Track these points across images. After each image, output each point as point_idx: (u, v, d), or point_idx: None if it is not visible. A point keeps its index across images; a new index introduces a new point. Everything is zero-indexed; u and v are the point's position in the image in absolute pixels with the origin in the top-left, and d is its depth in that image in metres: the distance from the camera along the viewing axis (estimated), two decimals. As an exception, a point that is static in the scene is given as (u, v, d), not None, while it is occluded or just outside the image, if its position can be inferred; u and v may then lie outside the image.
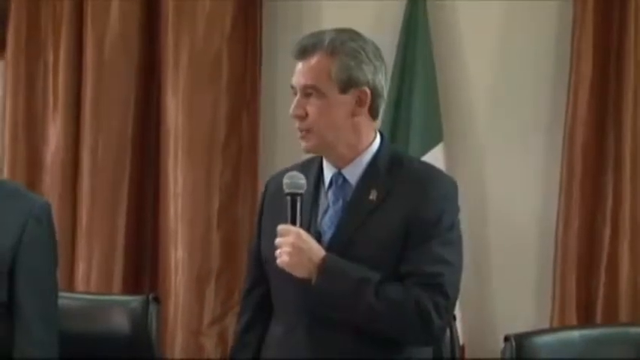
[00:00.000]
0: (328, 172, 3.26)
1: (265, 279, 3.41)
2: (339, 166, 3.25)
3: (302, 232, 3.10)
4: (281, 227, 3.08)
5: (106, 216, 4.89)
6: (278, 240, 3.08)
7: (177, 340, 4.74)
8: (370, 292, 3.11)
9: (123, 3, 4.94)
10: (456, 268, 3.22)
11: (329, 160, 3.28)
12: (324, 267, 3.09)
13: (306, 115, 3.15)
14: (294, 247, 3.07)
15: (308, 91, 3.14)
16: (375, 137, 3.30)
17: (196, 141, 4.88)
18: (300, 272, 3.08)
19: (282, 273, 3.13)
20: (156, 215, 5.01)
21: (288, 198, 3.14)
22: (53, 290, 3.62)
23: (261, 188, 3.94)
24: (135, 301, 4.07)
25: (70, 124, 4.91)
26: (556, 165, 4.65)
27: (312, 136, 3.17)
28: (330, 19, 4.72)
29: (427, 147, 4.60)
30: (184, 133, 4.88)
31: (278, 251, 3.07)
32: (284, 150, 4.77)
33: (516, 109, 4.79)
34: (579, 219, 4.55)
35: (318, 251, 3.09)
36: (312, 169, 3.32)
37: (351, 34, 3.30)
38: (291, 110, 3.19)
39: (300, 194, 3.16)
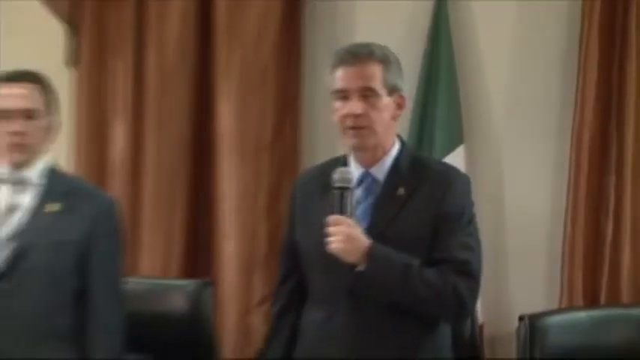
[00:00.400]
0: (355, 171, 3.49)
1: (298, 270, 3.69)
2: (367, 165, 3.51)
3: (352, 221, 3.34)
4: (333, 218, 3.30)
5: (165, 210, 5.06)
6: (331, 229, 3.31)
7: (228, 319, 4.92)
8: (413, 276, 3.40)
9: (181, 19, 5.06)
10: (479, 254, 3.51)
11: (360, 159, 3.52)
12: (371, 253, 3.32)
13: (363, 113, 3.46)
14: (346, 235, 3.30)
15: (365, 93, 3.39)
16: (395, 140, 3.62)
17: (245, 143, 5.03)
18: (350, 258, 3.31)
19: (326, 260, 3.36)
20: (210, 210, 5.14)
21: (338, 191, 3.36)
22: (120, 277, 3.92)
23: None
24: (192, 284, 4.45)
25: (133, 127, 5.07)
26: (564, 166, 4.79)
27: (367, 133, 3.42)
28: (364, 32, 4.85)
29: (450, 149, 4.75)
30: (235, 136, 5.03)
31: (330, 238, 3.30)
32: (323, 152, 4.72)
33: (528, 115, 4.90)
34: (585, 213, 4.69)
35: (365, 239, 3.32)
36: (329, 170, 3.51)
37: (388, 49, 3.64)
38: (347, 110, 3.42)
39: (349, 188, 3.38)
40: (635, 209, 4.62)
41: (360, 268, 3.37)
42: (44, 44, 5.09)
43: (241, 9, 5.03)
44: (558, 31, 4.88)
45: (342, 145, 3.90)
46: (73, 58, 5.13)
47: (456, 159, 4.60)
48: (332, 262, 3.38)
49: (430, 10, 4.88)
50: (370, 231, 3.41)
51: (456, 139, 4.80)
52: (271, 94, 5.00)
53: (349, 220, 3.37)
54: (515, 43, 4.96)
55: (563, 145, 4.81)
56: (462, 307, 3.50)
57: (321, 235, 3.38)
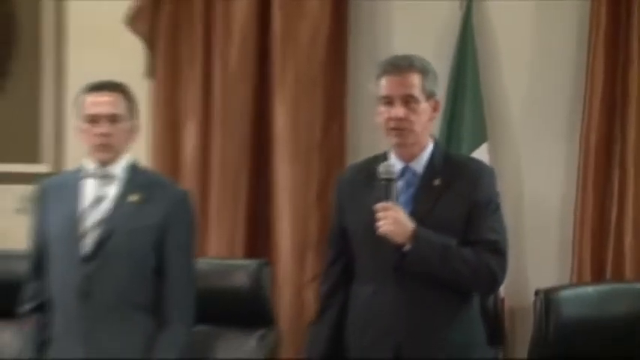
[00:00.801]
0: (398, 164, 3.62)
1: (345, 252, 3.80)
2: (406, 160, 3.62)
3: (398, 207, 3.48)
4: (381, 204, 3.43)
5: (230, 201, 5.11)
6: (380, 214, 3.44)
7: (284, 294, 4.98)
8: (452, 255, 3.56)
9: (242, 35, 5.07)
10: (505, 236, 3.66)
11: (401, 155, 3.65)
12: (416, 235, 3.45)
13: (405, 117, 3.57)
14: (394, 219, 3.43)
15: (406, 99, 3.53)
16: (429, 138, 3.75)
17: (298, 143, 5.09)
18: (397, 239, 3.43)
19: (375, 242, 3.51)
20: (268, 200, 5.18)
21: (384, 182, 3.49)
22: (192, 257, 4.07)
23: None
24: (252, 264, 4.51)
25: (201, 129, 5.14)
26: (574, 160, 4.82)
27: (409, 133, 3.55)
28: (399, 43, 4.96)
29: (475, 146, 4.78)
30: (289, 136, 5.09)
31: (380, 222, 3.43)
32: (366, 150, 4.67)
33: (543, 116, 4.92)
34: (593, 201, 4.74)
35: (410, 223, 3.45)
36: (377, 163, 3.64)
37: (426, 60, 3.78)
38: (391, 113, 3.56)
39: (393, 179, 3.51)
40: (636, 198, 4.67)
41: (406, 247, 3.49)
42: (126, 59, 5.13)
43: (295, 26, 5.06)
44: (569, 41, 4.89)
45: (382, 144, 4.03)
46: (151, 71, 5.20)
47: (480, 155, 4.64)
48: (380, 243, 3.51)
49: (457, 24, 4.88)
50: (412, 217, 3.52)
51: (480, 137, 4.82)
52: (320, 100, 5.04)
53: (396, 206, 3.49)
54: (531, 52, 4.97)
55: (574, 141, 4.84)
56: (494, 281, 3.68)
57: (370, 220, 3.51)
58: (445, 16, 4.97)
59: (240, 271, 4.55)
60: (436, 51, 4.76)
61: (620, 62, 4.73)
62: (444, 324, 3.68)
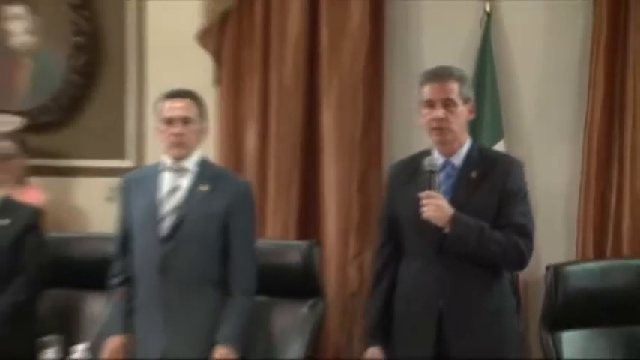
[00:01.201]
0: (436, 158, 3.74)
1: (394, 235, 3.91)
2: (446, 155, 3.74)
3: (440, 195, 3.60)
4: (425, 193, 3.56)
5: (284, 191, 5.16)
6: (425, 201, 3.56)
7: (330, 269, 5.02)
8: (486, 236, 3.66)
9: (295, 50, 5.10)
10: (532, 220, 3.76)
11: (442, 151, 3.77)
12: (455, 219, 3.57)
13: (444, 118, 3.68)
14: (437, 205, 3.55)
15: (447, 103, 3.66)
16: (467, 135, 3.85)
17: (342, 142, 5.11)
18: (440, 223, 3.56)
19: (421, 225, 3.64)
20: (317, 191, 5.21)
21: (428, 174, 3.62)
22: (253, 239, 4.21)
23: (384, 175, 4.67)
24: (304, 244, 4.66)
25: (260, 130, 5.19)
26: (578, 154, 4.83)
27: (448, 132, 3.68)
28: (429, 55, 5.00)
29: (493, 142, 4.77)
30: (334, 136, 5.13)
31: (424, 208, 3.56)
32: (400, 148, 4.90)
33: (552, 119, 4.94)
34: (594, 189, 4.76)
35: (450, 209, 3.57)
36: (420, 158, 3.78)
37: (463, 70, 3.96)
38: (433, 115, 3.69)
39: (436, 171, 3.65)
40: (632, 188, 4.68)
41: (447, 230, 3.62)
42: (197, 70, 5.20)
43: (339, 42, 5.08)
44: (574, 53, 4.89)
45: (415, 143, 4.36)
46: (217, 80, 5.24)
47: (498, 150, 4.65)
48: (425, 226, 3.63)
49: (478, 38, 4.91)
50: (451, 204, 3.62)
51: (498, 134, 4.84)
52: (360, 105, 5.07)
53: (438, 195, 3.61)
54: (541, 63, 4.98)
55: (578, 139, 4.85)
56: (522, 259, 3.78)
57: (416, 207, 3.62)
58: (467, 32, 4.97)
59: (294, 250, 4.67)
60: (459, 62, 4.56)
61: (618, 74, 4.73)
62: (478, 294, 3.79)
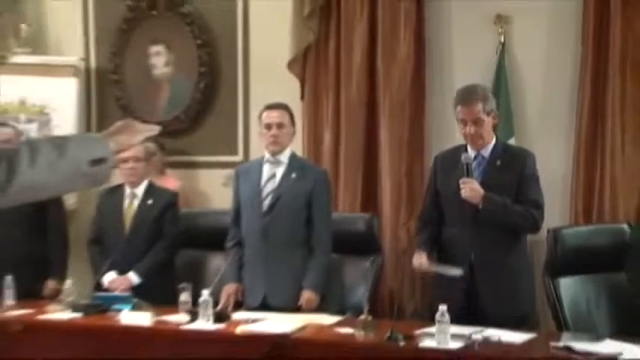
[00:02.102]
0: (471, 153, 3.92)
1: (436, 207, 4.08)
2: (478, 149, 3.92)
3: (474, 180, 3.78)
4: (463, 179, 3.77)
5: (352, 176, 5.16)
6: (463, 185, 3.76)
7: (386, 233, 5.02)
8: (510, 210, 3.84)
9: (358, 73, 5.10)
10: (542, 196, 3.91)
11: (474, 147, 3.94)
12: (486, 198, 3.77)
13: (475, 132, 3.85)
14: (471, 188, 3.76)
15: (476, 121, 3.82)
16: (492, 134, 3.97)
17: (394, 141, 5.08)
18: (474, 200, 3.77)
19: (460, 201, 3.84)
20: (376, 176, 5.19)
21: (464, 164, 3.80)
22: (329, 212, 4.34)
23: (426, 166, 4.73)
24: (367, 216, 4.79)
25: (334, 134, 5.21)
26: (571, 147, 4.77)
27: (478, 139, 3.87)
28: (460, 69, 4.97)
29: (507, 138, 4.66)
30: (389, 137, 5.07)
31: (462, 190, 3.76)
32: (437, 144, 4.85)
33: (550, 120, 4.89)
34: (583, 172, 4.71)
35: (481, 190, 3.75)
36: (460, 151, 3.96)
37: (486, 88, 4.10)
38: (466, 130, 3.87)
39: (470, 163, 3.82)
40: (612, 171, 4.62)
41: (480, 206, 3.79)
42: (288, 88, 5.18)
43: (391, 67, 5.06)
44: (567, 72, 4.81)
45: (447, 140, 4.46)
46: (302, 97, 5.26)
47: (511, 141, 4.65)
48: (462, 202, 3.82)
49: (495, 62, 4.85)
50: (482, 186, 3.79)
51: (509, 132, 4.79)
52: (407, 114, 5.05)
53: (473, 180, 3.80)
54: (543, 80, 4.94)
55: (571, 134, 4.80)
56: (536, 226, 3.95)
57: (456, 188, 3.82)
58: (487, 57, 4.92)
59: (359, 220, 4.79)
60: (481, 79, 4.67)
61: (601, 89, 4.68)
62: (501, 252, 3.95)
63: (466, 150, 3.96)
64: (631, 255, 3.80)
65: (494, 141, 3.99)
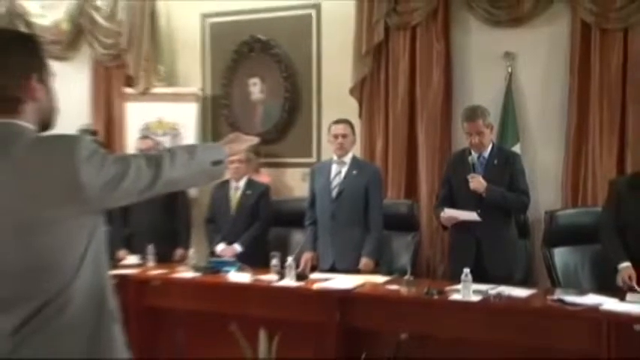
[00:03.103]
0: (475, 155, 3.90)
1: (449, 192, 4.03)
2: (479, 151, 3.90)
3: (479, 175, 3.79)
4: (470, 175, 3.79)
5: (397, 172, 5.05)
6: (471, 179, 3.78)
7: (423, 215, 4.87)
8: (505, 197, 3.83)
9: (402, 97, 5.01)
10: (528, 186, 3.91)
11: (476, 150, 3.90)
12: (488, 188, 3.77)
13: (478, 142, 3.87)
14: (477, 181, 3.77)
15: (478, 133, 3.84)
16: (491, 139, 3.96)
17: (429, 148, 4.99)
18: (480, 190, 3.77)
19: (468, 191, 3.83)
20: (415, 172, 5.07)
21: (471, 163, 3.85)
22: (381, 199, 4.30)
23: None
24: (409, 202, 4.79)
25: (384, 141, 5.10)
26: (562, 150, 4.68)
27: (480, 147, 3.87)
28: (477, 98, 4.77)
29: (513, 144, 4.63)
30: (425, 145, 5.02)
31: (471, 183, 3.77)
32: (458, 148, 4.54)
33: (546, 129, 4.76)
34: (572, 168, 4.62)
35: (485, 183, 3.75)
36: (466, 153, 3.95)
37: (484, 107, 4.00)
38: (473, 140, 3.86)
39: (475, 163, 3.85)
40: (593, 168, 4.54)
41: (484, 194, 3.79)
42: (350, 109, 5.07)
43: (427, 92, 4.96)
44: (560, 94, 4.71)
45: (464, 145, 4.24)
46: (360, 114, 5.19)
47: (516, 149, 4.59)
48: (470, 192, 3.83)
49: (504, 85, 4.76)
50: (484, 179, 3.80)
51: (515, 139, 4.70)
52: (439, 127, 4.97)
53: (477, 175, 3.81)
54: (540, 99, 4.81)
55: (562, 141, 4.70)
56: (525, 208, 4.00)
57: (465, 182, 3.84)
58: (499, 83, 4.83)
59: (403, 205, 4.78)
60: (494, 99, 4.70)
61: (584, 108, 4.60)
62: (500, 227, 3.96)
63: (470, 153, 3.94)
64: (601, 231, 3.71)
65: (491, 145, 3.96)
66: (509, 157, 4.01)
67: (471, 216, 3.72)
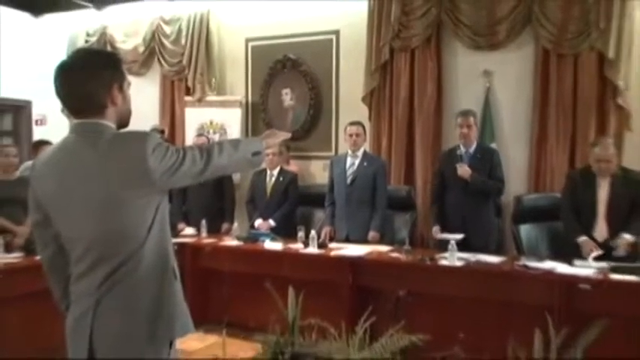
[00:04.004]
0: (463, 149, 3.86)
1: (442, 182, 3.95)
2: (467, 147, 3.88)
3: (466, 165, 3.75)
4: (459, 164, 3.75)
5: (398, 164, 4.96)
6: (459, 168, 3.74)
7: (419, 198, 4.78)
8: (486, 184, 3.79)
9: (402, 104, 4.92)
10: (504, 175, 3.89)
11: (465, 146, 3.85)
12: (472, 176, 3.75)
13: (469, 132, 3.83)
14: (464, 170, 3.75)
15: (469, 126, 3.82)
16: (476, 138, 3.92)
17: (424, 143, 4.85)
18: (466, 177, 3.75)
19: (456, 178, 3.78)
20: (413, 163, 4.95)
21: (459, 156, 3.82)
22: (385, 185, 4.23)
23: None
24: (407, 187, 4.69)
25: (388, 139, 5.00)
26: (528, 148, 4.60)
27: (469, 139, 3.82)
28: (464, 102, 4.65)
29: (490, 142, 4.52)
30: (421, 141, 4.87)
31: (459, 171, 3.74)
32: (449, 145, 4.45)
33: (516, 129, 4.68)
34: (535, 161, 4.53)
35: (470, 171, 3.73)
36: (455, 150, 3.88)
37: (474, 110, 3.98)
38: (463, 131, 3.80)
39: (462, 155, 3.83)
40: (550, 163, 4.47)
41: (469, 180, 3.76)
42: (361, 113, 4.95)
43: (422, 99, 4.84)
44: (526, 103, 4.60)
45: (453, 142, 4.21)
46: (369, 118, 5.00)
47: (493, 146, 4.43)
48: (458, 178, 3.79)
49: (484, 93, 4.68)
50: (470, 168, 3.77)
51: (492, 138, 4.61)
52: (432, 126, 4.86)
53: (464, 165, 3.78)
54: (512, 106, 4.71)
55: (528, 140, 4.61)
56: (501, 192, 3.96)
57: (454, 171, 3.80)
58: (479, 93, 4.75)
59: (402, 190, 4.67)
60: (475, 107, 4.48)
61: (545, 113, 4.52)
62: (480, 207, 3.91)
63: (459, 148, 3.90)
64: (562, 214, 3.65)
65: (476, 142, 3.93)
66: (489, 152, 3.96)
67: (455, 237, 3.51)
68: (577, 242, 3.39)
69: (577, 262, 3.20)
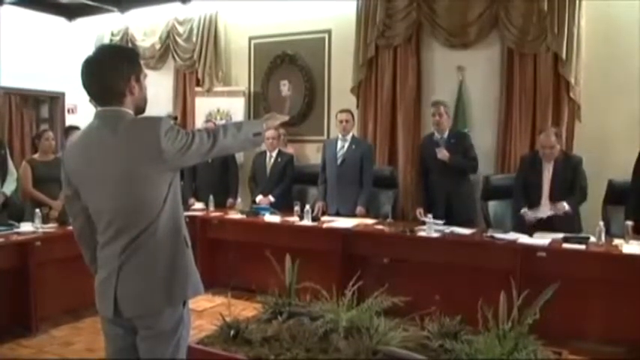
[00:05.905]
0: (438, 135, 3.85)
1: (424, 164, 3.97)
2: (441, 133, 3.87)
3: (444, 149, 3.75)
4: (438, 149, 3.71)
5: (384, 146, 4.87)
6: (438, 151, 3.74)
7: (401, 176, 4.72)
8: (461, 162, 3.82)
9: (387, 92, 4.86)
10: (476, 155, 3.87)
11: (439, 132, 3.91)
12: (450, 158, 3.76)
13: (442, 120, 3.82)
14: (443, 153, 3.74)
15: (441, 114, 3.83)
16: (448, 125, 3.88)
17: (405, 130, 4.76)
18: (444, 159, 3.76)
19: (436, 160, 3.77)
20: (395, 146, 4.89)
21: (437, 142, 3.79)
22: (371, 166, 4.21)
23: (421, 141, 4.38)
24: (390, 168, 4.64)
25: (374, 124, 4.92)
26: (496, 134, 4.53)
27: (442, 126, 3.82)
28: (439, 92, 4.62)
29: (462, 128, 4.40)
30: (402, 128, 4.80)
31: (438, 154, 3.74)
32: (426, 131, 4.53)
33: (485, 120, 4.61)
34: (501, 147, 4.47)
35: (447, 153, 3.74)
36: (432, 136, 3.86)
37: (445, 101, 3.97)
38: (435, 119, 3.79)
39: (439, 141, 3.81)
40: (513, 148, 4.41)
41: (447, 162, 3.77)
42: (350, 101, 4.97)
43: (404, 90, 4.78)
44: (494, 93, 4.55)
45: (430, 128, 4.14)
46: (357, 105, 4.99)
47: (466, 131, 4.33)
48: (437, 160, 3.80)
49: (457, 84, 4.61)
50: (447, 151, 3.78)
51: (465, 125, 4.53)
52: (411, 114, 4.77)
53: (443, 149, 3.78)
54: (481, 97, 4.63)
55: (496, 126, 4.53)
56: (475, 170, 3.94)
57: (434, 154, 3.80)
58: (452, 86, 4.68)
59: (386, 170, 4.61)
60: (450, 96, 4.55)
61: (510, 103, 4.44)
62: (459, 184, 3.92)
63: (434, 134, 3.92)
64: (513, 191, 3.72)
65: (449, 129, 3.94)
66: (462, 136, 3.98)
67: (437, 222, 3.49)
68: (520, 214, 3.49)
69: (537, 234, 3.27)
